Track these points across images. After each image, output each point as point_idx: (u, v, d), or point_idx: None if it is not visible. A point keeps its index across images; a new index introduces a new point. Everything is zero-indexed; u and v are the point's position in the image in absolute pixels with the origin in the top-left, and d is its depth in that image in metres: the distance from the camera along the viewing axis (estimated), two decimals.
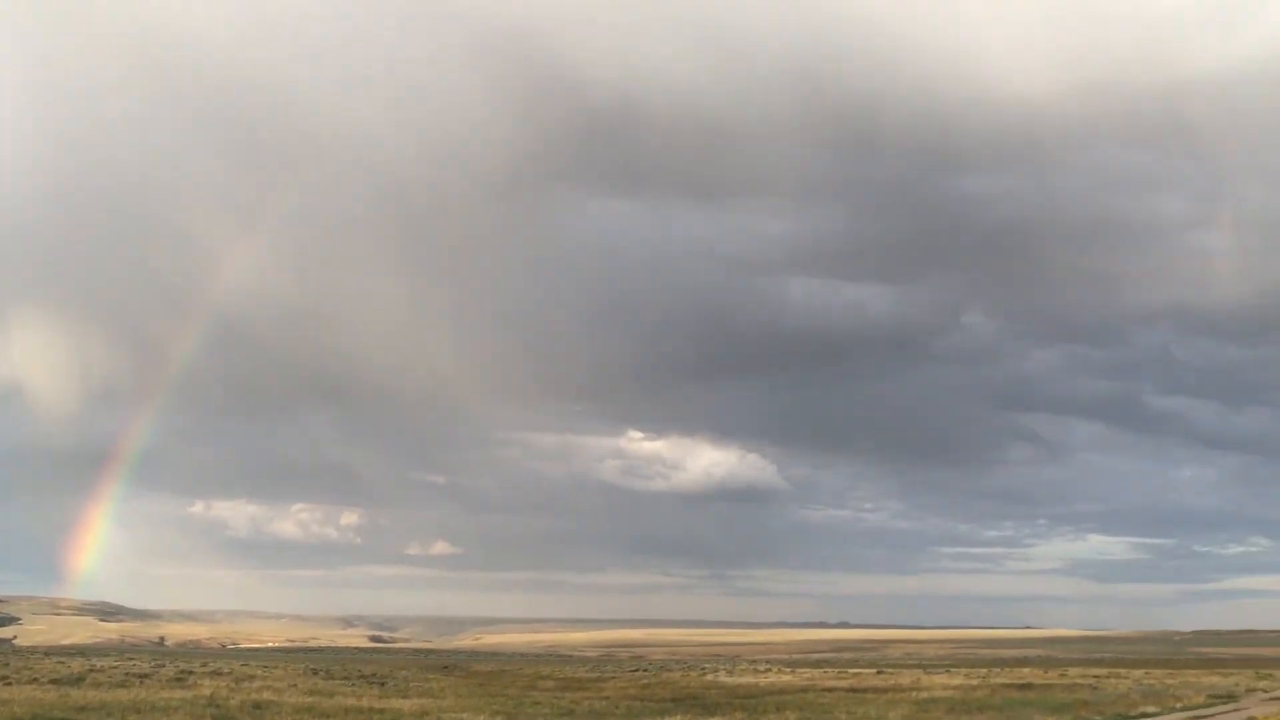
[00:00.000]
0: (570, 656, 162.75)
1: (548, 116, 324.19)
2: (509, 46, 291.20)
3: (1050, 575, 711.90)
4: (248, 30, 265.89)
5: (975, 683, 63.25)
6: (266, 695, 43.93)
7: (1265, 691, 55.29)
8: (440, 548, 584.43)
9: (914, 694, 51.00)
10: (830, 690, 55.94)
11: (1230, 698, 49.04)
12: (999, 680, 66.06)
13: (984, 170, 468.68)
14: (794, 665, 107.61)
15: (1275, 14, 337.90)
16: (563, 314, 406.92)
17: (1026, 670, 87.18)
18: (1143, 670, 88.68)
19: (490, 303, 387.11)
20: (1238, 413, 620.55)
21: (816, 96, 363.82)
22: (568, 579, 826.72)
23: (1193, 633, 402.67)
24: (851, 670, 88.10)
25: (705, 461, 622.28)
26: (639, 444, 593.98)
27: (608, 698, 51.86)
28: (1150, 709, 39.84)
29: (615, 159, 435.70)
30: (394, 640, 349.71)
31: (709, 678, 75.27)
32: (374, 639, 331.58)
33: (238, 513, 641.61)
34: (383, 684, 59.06)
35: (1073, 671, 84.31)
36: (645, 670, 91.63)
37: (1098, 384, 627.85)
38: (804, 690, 56.88)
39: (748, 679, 72.95)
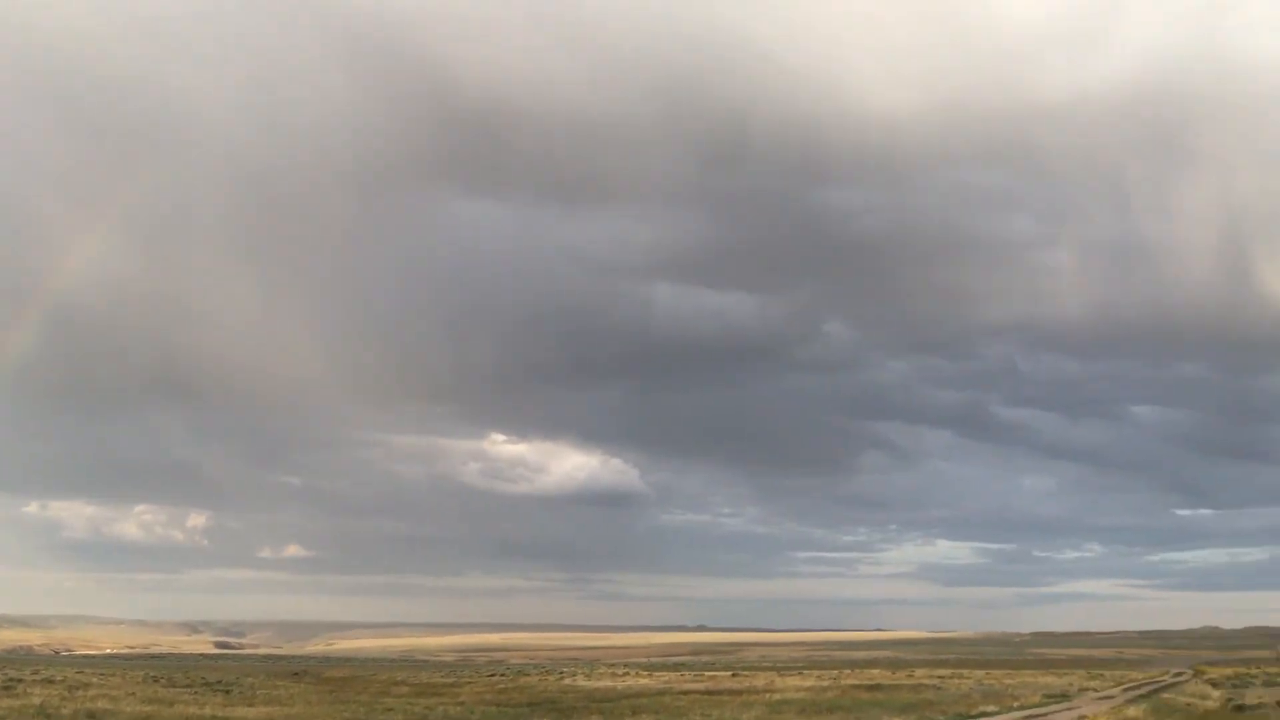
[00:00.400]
0: (426, 662, 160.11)
1: (415, 112, 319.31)
2: (375, 38, 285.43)
3: (900, 579, 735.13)
4: (95, 16, 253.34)
5: (827, 684, 64.69)
6: (101, 704, 41.87)
7: (1096, 691, 58.12)
8: (293, 550, 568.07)
9: (768, 696, 51.86)
10: (687, 693, 56.42)
11: (1064, 697, 51.33)
12: (849, 681, 67.73)
13: (845, 184, 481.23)
14: (652, 668, 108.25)
15: (1120, 46, 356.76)
16: (426, 314, 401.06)
17: (876, 671, 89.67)
18: (984, 671, 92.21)
19: (351, 300, 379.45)
20: (1076, 425, 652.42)
21: (685, 104, 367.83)
22: (425, 583, 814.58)
23: (1031, 634, 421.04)
24: (708, 673, 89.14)
25: (568, 465, 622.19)
26: (501, 447, 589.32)
27: (463, 703, 51.21)
28: (990, 708, 41.35)
29: (483, 159, 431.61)
30: (242, 646, 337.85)
31: (567, 682, 75.10)
32: (220, 645, 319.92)
33: (75, 513, 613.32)
34: (228, 691, 57.00)
35: (919, 672, 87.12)
36: (502, 675, 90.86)
37: (949, 394, 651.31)
38: (661, 693, 57.23)
39: (605, 683, 73.05)
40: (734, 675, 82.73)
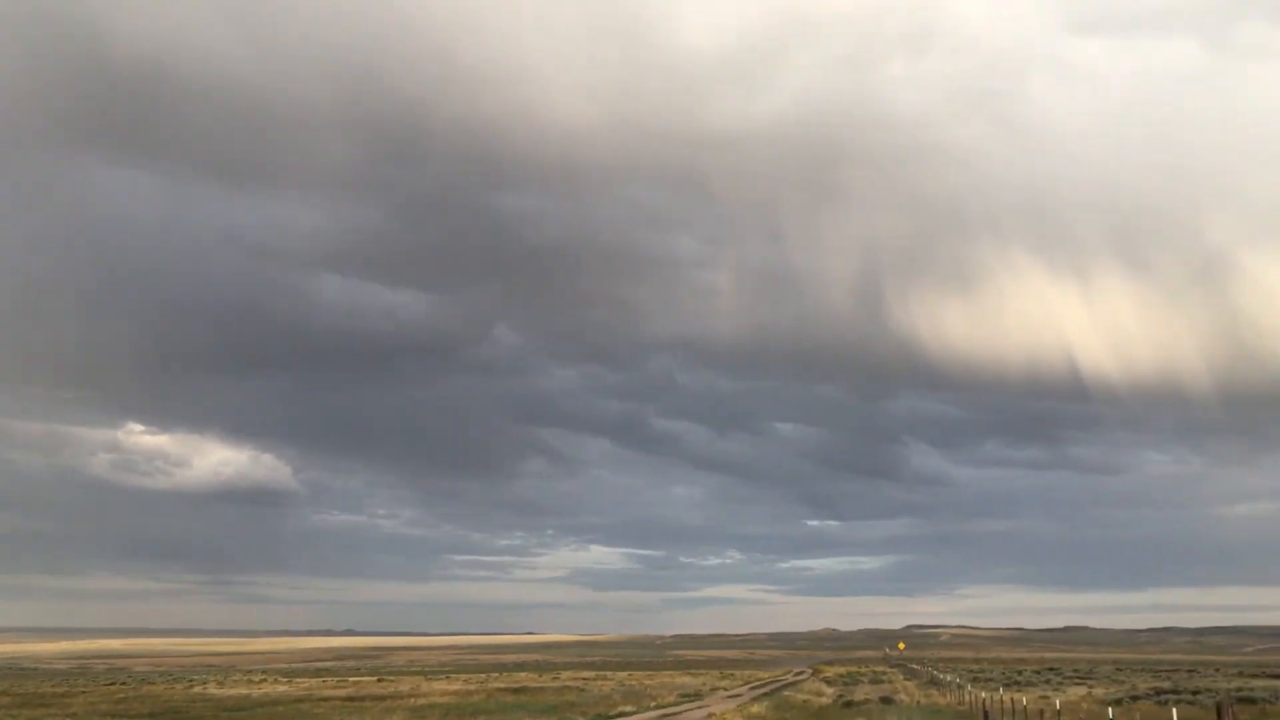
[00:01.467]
0: (35, 670, 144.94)
1: (56, 70, 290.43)
2: None
3: (553, 583, 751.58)
4: None
5: (473, 688, 64.49)
6: None
7: (725, 690, 61.60)
8: None
9: (412, 701, 50.93)
10: (327, 699, 54.34)
11: (697, 696, 53.99)
12: (496, 685, 67.88)
13: (523, 190, 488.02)
14: (293, 675, 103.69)
15: (783, 87, 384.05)
16: (57, 289, 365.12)
17: (523, 674, 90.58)
18: (626, 672, 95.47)
19: None
20: (723, 437, 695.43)
21: (361, 93, 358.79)
22: (40, 583, 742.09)
23: (673, 637, 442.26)
24: (352, 679, 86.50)
25: (214, 460, 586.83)
26: (139, 438, 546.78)
27: (74, 714, 46.67)
28: (628, 708, 42.69)
29: (136, 127, 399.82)
30: None
31: (197, 690, 70.35)
32: None
33: None
34: None
35: (565, 675, 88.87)
36: (124, 683, 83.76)
37: (611, 404, 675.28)
38: (300, 700, 54.82)
39: (240, 690, 69.12)
40: (379, 680, 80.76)
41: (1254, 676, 71.48)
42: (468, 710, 43.18)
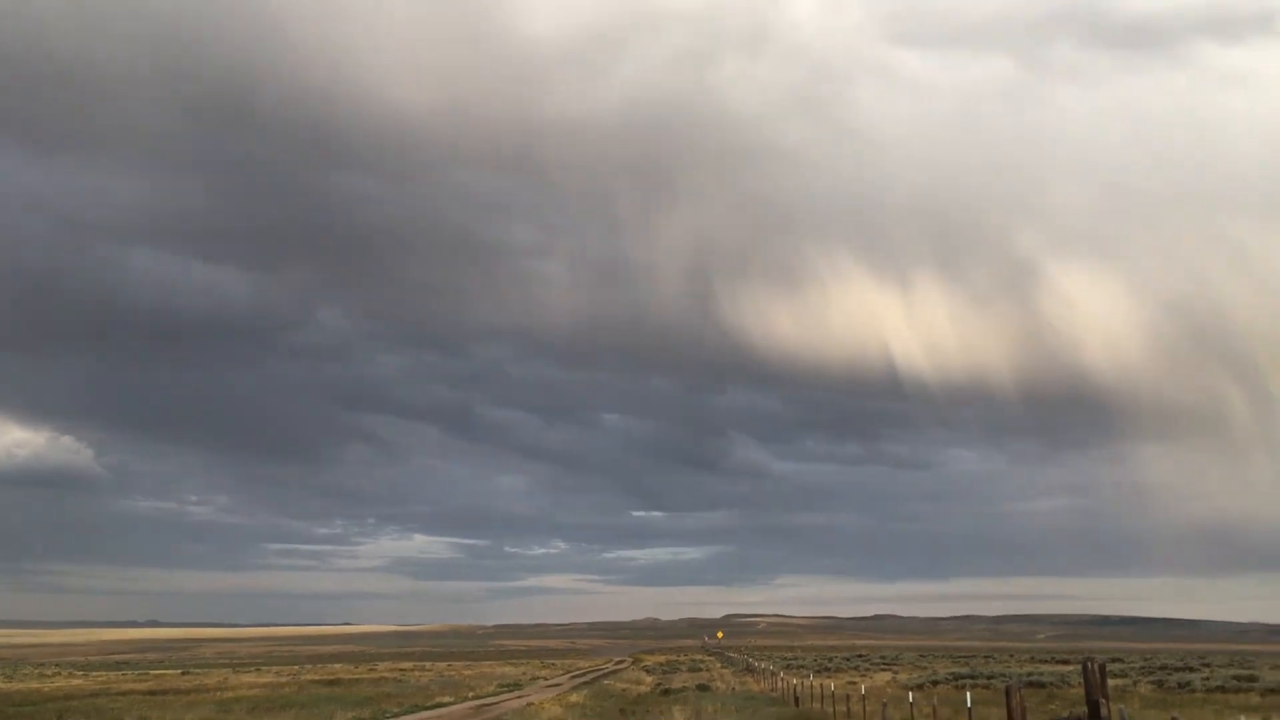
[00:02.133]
0: None
1: None
2: None
3: (374, 573, 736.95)
4: None
5: (285, 680, 62.51)
6: None
7: (546, 679, 61.62)
8: None
9: (218, 694, 48.93)
10: (126, 694, 51.63)
11: (517, 686, 53.80)
12: (309, 677, 65.99)
13: (355, 169, 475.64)
14: (89, 668, 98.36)
15: (622, 80, 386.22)
16: None
17: (338, 666, 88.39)
18: (446, 663, 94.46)
19: None
20: (551, 428, 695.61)
21: (187, 61, 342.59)
22: None
23: (495, 627, 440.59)
24: (154, 672, 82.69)
25: (7, 441, 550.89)
26: None
27: None
28: (446, 699, 42.15)
29: None
30: None
31: None
32: None
33: None
34: None
35: (382, 666, 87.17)
36: None
37: (441, 391, 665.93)
38: (95, 695, 51.89)
39: (30, 684, 65.02)
40: (184, 674, 77.39)
41: (1044, 662, 76.09)
42: (277, 703, 41.72)
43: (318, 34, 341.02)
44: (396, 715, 34.31)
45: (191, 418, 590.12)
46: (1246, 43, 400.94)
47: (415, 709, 37.96)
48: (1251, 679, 43.80)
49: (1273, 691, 38.96)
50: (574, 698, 41.24)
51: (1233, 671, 50.64)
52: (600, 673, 71.63)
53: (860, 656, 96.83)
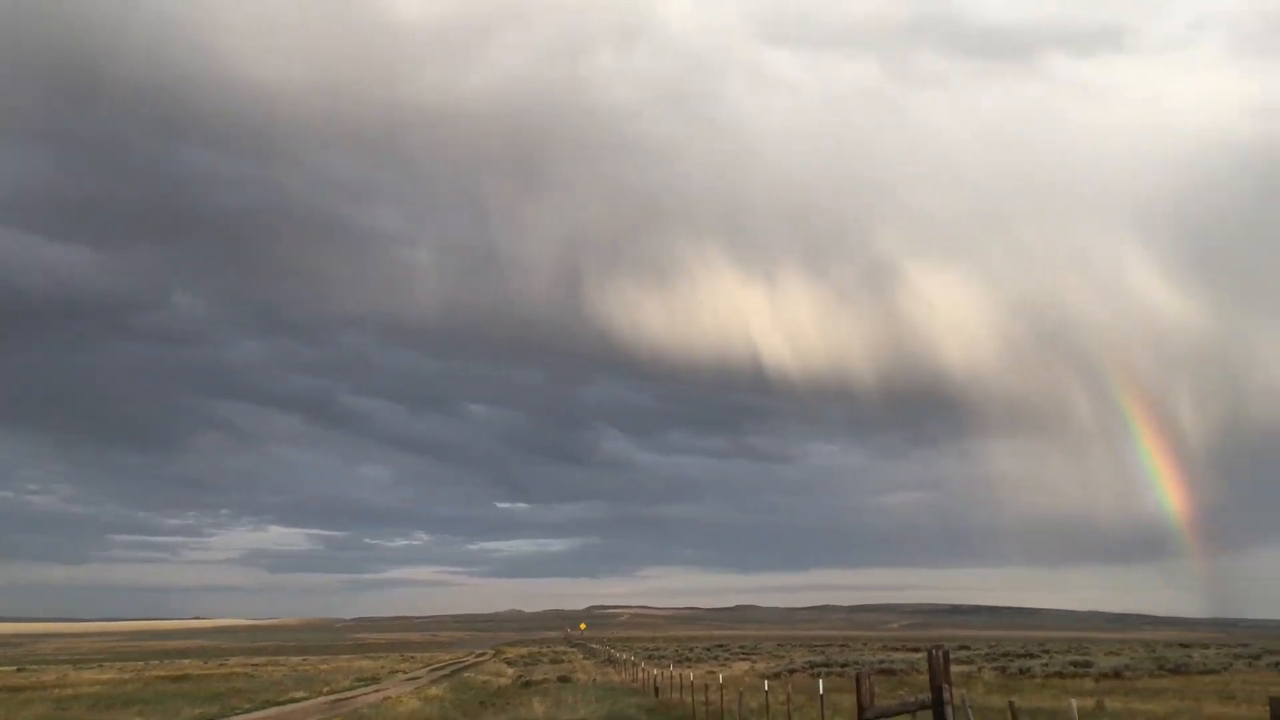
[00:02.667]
0: None
1: None
2: None
3: (227, 565, 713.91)
4: None
5: (129, 676, 60.04)
6: None
7: (405, 673, 60.73)
8: None
9: (56, 692, 46.63)
10: None
11: (375, 680, 52.86)
12: (155, 673, 63.56)
13: (212, 147, 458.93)
14: None
15: (491, 67, 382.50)
16: None
17: (187, 662, 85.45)
18: (300, 657, 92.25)
19: None
20: (419, 418, 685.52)
21: (29, 30, 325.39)
22: None
23: (353, 620, 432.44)
24: None
25: None
26: None
27: None
28: (300, 694, 41.09)
29: None
30: None
31: None
32: None
33: None
34: None
35: (234, 661, 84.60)
36: None
37: (301, 379, 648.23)
38: None
39: None
40: (19, 670, 73.60)
41: (895, 650, 78.66)
42: (119, 700, 39.99)
43: (176, 7, 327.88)
44: (247, 712, 33.30)
45: (32, 402, 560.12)
46: (1096, 57, 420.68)
47: (266, 705, 36.90)
48: (1087, 665, 46.22)
49: (1106, 676, 41.15)
50: (433, 691, 40.71)
51: (1070, 658, 53.30)
52: (461, 666, 70.97)
53: (720, 647, 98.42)
